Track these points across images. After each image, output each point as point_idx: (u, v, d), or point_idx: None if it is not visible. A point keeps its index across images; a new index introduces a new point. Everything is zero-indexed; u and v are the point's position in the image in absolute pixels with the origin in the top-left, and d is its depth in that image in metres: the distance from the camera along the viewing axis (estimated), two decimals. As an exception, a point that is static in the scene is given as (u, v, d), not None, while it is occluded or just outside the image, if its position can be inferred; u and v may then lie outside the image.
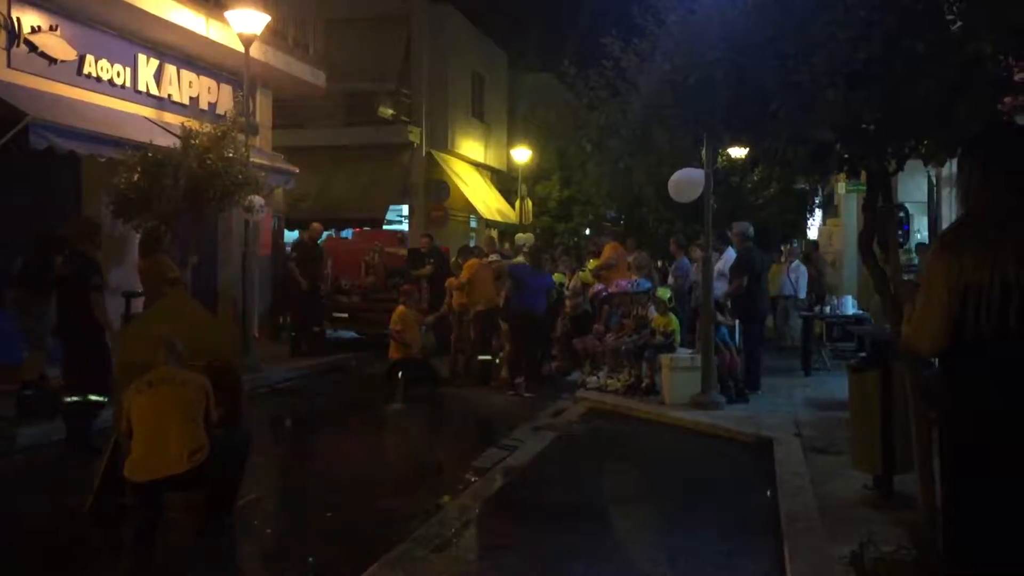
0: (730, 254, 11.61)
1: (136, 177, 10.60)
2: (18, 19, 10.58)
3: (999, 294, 2.89)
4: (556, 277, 13.33)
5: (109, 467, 6.08)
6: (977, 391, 3.01)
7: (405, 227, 23.50)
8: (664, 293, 11.12)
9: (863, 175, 5.42)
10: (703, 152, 9.68)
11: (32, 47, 10.79)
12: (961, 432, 3.08)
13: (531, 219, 25.93)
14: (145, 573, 5.24)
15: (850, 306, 12.76)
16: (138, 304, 11.03)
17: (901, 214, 8.41)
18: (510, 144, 28.50)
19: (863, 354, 9.66)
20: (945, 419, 3.16)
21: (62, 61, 11.23)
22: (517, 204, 25.88)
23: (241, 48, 12.25)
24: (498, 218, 26.03)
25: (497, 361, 12.50)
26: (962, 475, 3.08)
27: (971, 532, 3.05)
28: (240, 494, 6.14)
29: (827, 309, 13.00)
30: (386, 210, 22.34)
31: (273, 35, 14.28)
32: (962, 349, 3.02)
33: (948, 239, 3.12)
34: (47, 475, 7.50)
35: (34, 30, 10.78)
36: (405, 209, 23.95)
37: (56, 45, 11.11)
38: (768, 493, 6.54)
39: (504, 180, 28.57)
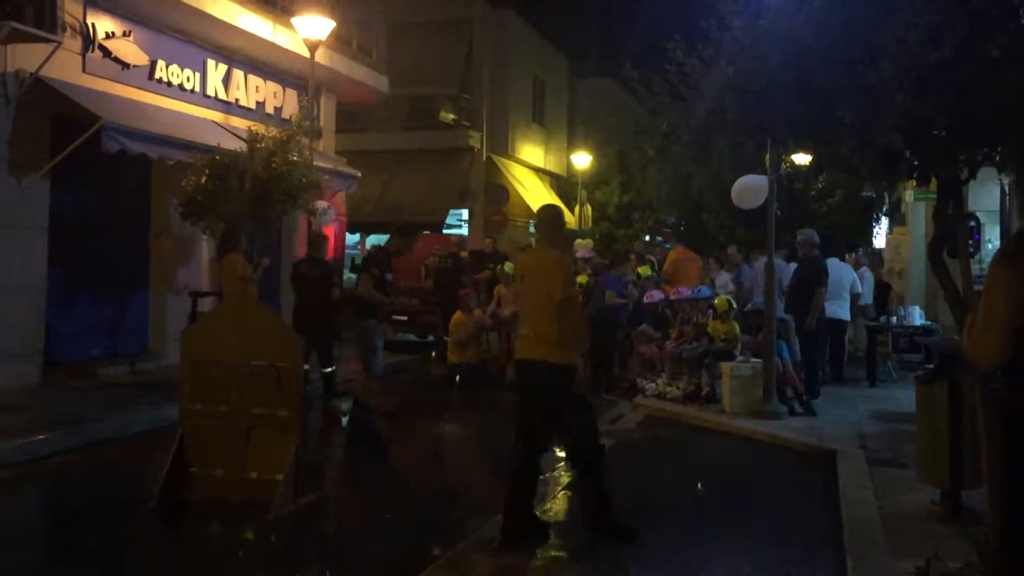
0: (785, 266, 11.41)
1: (203, 179, 10.83)
2: (93, 25, 10.89)
3: None
4: (642, 270, 13.07)
5: (175, 463, 6.22)
6: None
7: (465, 231, 23.61)
8: (722, 302, 10.96)
9: (933, 182, 5.31)
10: (766, 158, 9.55)
11: (106, 52, 11.10)
12: None
13: (590, 225, 25.86)
14: (204, 572, 5.33)
15: (917, 317, 12.48)
16: (205, 303, 11.31)
17: (972, 223, 8.19)
18: (570, 149, 28.47)
19: (931, 365, 9.45)
20: (1010, 431, 3.08)
21: (134, 66, 11.53)
22: (576, 210, 25.83)
23: (307, 53, 12.44)
24: (557, 223, 25.98)
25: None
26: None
27: None
28: (301, 493, 6.23)
29: (894, 319, 12.74)
30: (446, 214, 22.46)
31: (338, 41, 14.49)
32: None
33: (1009, 251, 3.06)
34: (117, 470, 7.69)
35: (108, 36, 11.09)
36: (465, 213, 24.06)
37: (129, 51, 11.41)
38: (830, 505, 6.42)
39: (563, 185, 28.54)
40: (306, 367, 10.69)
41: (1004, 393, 3.10)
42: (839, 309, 11.75)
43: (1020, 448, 3.05)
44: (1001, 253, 3.10)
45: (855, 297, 12.25)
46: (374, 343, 8.89)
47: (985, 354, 3.07)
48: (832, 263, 11.75)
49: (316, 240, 11.79)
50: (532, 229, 26.18)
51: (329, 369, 11.09)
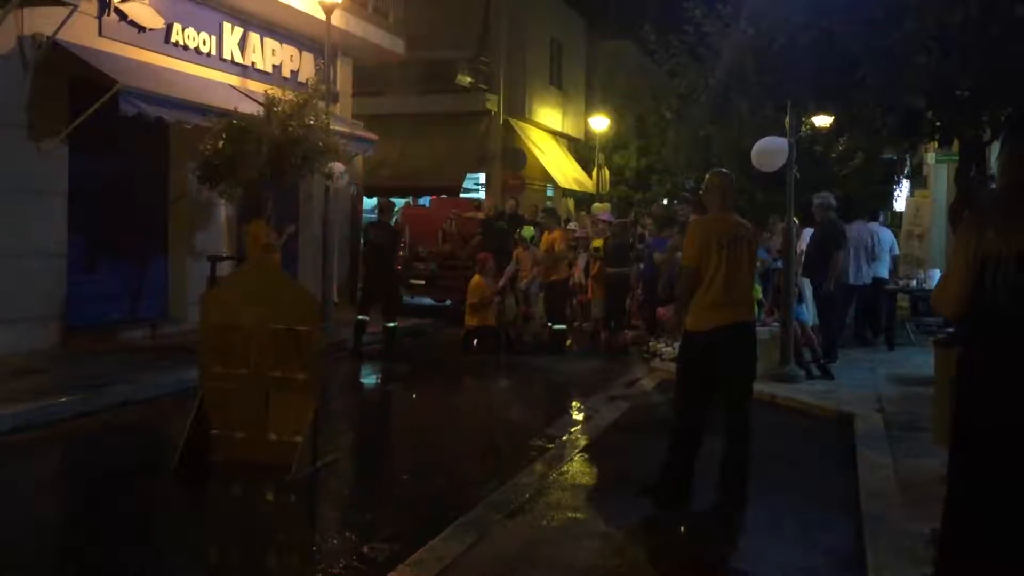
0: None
1: (221, 144, 10.83)
2: (109, -12, 10.86)
3: (1015, 265, 3.00)
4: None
5: (195, 426, 6.28)
6: (988, 357, 3.11)
7: (482, 195, 23.54)
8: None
9: (955, 144, 5.25)
10: (786, 120, 9.45)
11: (122, 16, 11.06)
12: (972, 399, 3.15)
13: (608, 188, 25.72)
14: (225, 533, 5.41)
15: (937, 280, 12.40)
16: (223, 268, 11.37)
17: (994, 185, 8.09)
18: (588, 112, 28.26)
19: (950, 329, 9.39)
20: (960, 385, 3.23)
21: (150, 29, 11.49)
22: (594, 173, 25.69)
23: (323, 16, 12.37)
24: (575, 187, 25.89)
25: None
26: (970, 442, 3.17)
27: (972, 495, 3.11)
28: (319, 454, 6.30)
29: (914, 283, 12.71)
30: (463, 178, 22.38)
31: (353, 3, 14.41)
32: (979, 317, 3.15)
33: (976, 212, 3.27)
34: (138, 432, 7.78)
35: (124, -1, 11.05)
36: (482, 177, 23.97)
37: (145, 14, 11.36)
38: (847, 468, 6.43)
39: (581, 149, 28.36)
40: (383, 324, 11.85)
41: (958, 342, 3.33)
42: (880, 268, 12.23)
43: (964, 401, 3.20)
44: (968, 217, 3.28)
45: (895, 259, 12.74)
46: None
47: (946, 304, 3.32)
48: (873, 226, 12.41)
49: (384, 206, 12.73)
50: (550, 192, 26.13)
51: (392, 324, 12.01)
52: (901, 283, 12.97)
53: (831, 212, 10.85)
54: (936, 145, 11.73)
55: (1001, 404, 3.04)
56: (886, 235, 12.74)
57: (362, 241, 13.43)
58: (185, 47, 12.14)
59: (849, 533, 5.16)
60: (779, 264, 10.63)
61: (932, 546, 4.55)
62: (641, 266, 13.00)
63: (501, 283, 13.14)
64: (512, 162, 23.29)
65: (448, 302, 15.69)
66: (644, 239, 13.65)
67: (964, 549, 3.08)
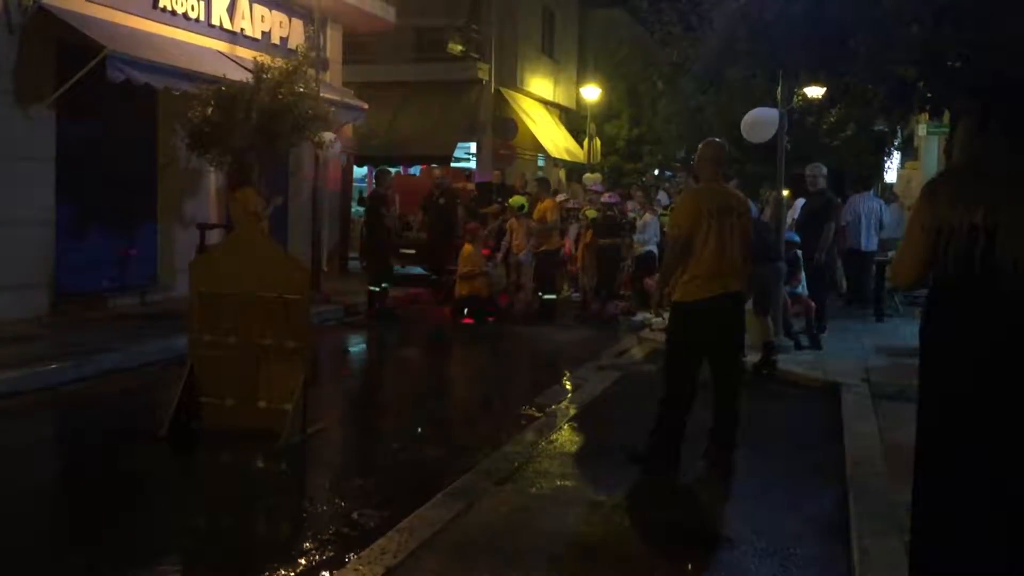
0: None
1: (210, 111, 10.75)
2: (95, -48, 10.71)
3: (966, 237, 3.06)
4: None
5: (185, 393, 6.29)
6: (943, 328, 3.22)
7: (472, 165, 23.46)
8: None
9: (946, 115, 5.25)
10: (778, 90, 9.43)
11: (109, -20, 10.92)
12: (931, 368, 3.28)
13: (599, 159, 25.65)
14: (214, 499, 5.43)
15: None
16: (212, 235, 11.33)
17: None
18: (579, 82, 28.10)
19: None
20: (920, 354, 3.34)
21: (138, -7, 11.36)
22: (585, 143, 25.61)
23: (312, -19, 12.25)
24: (566, 157, 25.81)
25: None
26: (931, 410, 3.33)
27: (937, 462, 3.27)
28: (309, 422, 6.32)
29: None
30: (454, 147, 22.28)
31: (344, -32, 14.25)
32: (933, 287, 3.25)
33: (930, 184, 3.32)
34: (128, 399, 7.78)
35: (110, -37, 10.90)
36: (473, 147, 23.87)
37: (132, -22, 11.23)
38: (834, 438, 6.49)
39: (573, 119, 28.24)
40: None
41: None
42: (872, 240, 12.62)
43: (924, 365, 3.33)
44: (923, 189, 3.34)
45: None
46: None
47: (900, 275, 3.43)
48: (866, 196, 12.79)
49: (378, 175, 13.29)
50: (541, 162, 26.05)
51: (373, 288, 12.20)
52: (890, 255, 13.02)
53: (823, 182, 10.87)
54: (927, 117, 11.74)
55: (956, 373, 3.13)
56: (876, 203, 13.03)
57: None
58: (173, 12, 12.01)
59: (834, 501, 5.21)
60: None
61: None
62: (634, 237, 13.03)
63: (500, 255, 13.19)
64: (503, 131, 23.18)
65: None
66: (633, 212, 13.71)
67: (935, 516, 3.14)
